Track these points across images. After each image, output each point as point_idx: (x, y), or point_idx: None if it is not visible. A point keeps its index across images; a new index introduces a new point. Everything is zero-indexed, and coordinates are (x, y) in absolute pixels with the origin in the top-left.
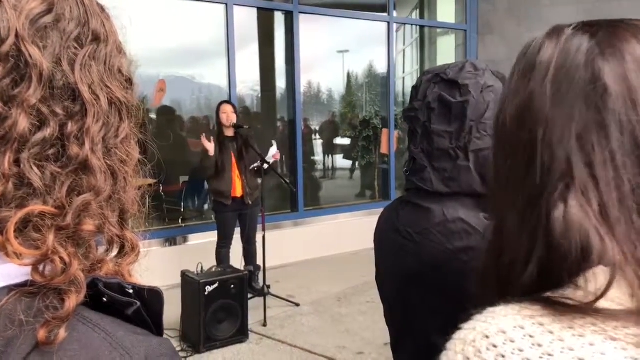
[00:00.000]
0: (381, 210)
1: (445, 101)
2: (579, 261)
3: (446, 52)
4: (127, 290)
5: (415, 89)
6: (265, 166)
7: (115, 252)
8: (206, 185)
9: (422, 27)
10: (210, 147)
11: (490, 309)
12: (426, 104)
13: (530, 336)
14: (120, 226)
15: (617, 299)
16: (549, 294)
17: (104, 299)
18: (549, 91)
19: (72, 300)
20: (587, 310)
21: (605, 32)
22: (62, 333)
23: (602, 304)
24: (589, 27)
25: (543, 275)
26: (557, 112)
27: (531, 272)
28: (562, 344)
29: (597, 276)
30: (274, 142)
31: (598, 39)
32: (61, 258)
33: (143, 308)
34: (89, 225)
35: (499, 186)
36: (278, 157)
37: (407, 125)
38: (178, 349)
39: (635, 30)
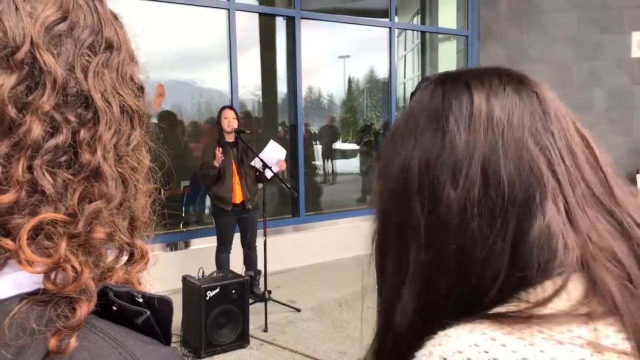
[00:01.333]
0: None
1: None
2: (546, 260)
3: (447, 57)
4: (137, 299)
5: (412, 95)
6: (269, 174)
7: (124, 260)
8: (206, 190)
9: (423, 33)
10: (220, 157)
11: (442, 333)
12: None
13: (486, 352)
14: (130, 234)
15: (562, 303)
16: (495, 310)
17: (114, 308)
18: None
19: (83, 309)
20: (530, 318)
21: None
22: (73, 342)
23: (548, 310)
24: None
25: (501, 293)
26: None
27: (496, 290)
28: (516, 355)
29: (546, 287)
30: (272, 141)
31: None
32: (73, 266)
33: (152, 317)
34: (100, 233)
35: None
36: (284, 166)
37: None
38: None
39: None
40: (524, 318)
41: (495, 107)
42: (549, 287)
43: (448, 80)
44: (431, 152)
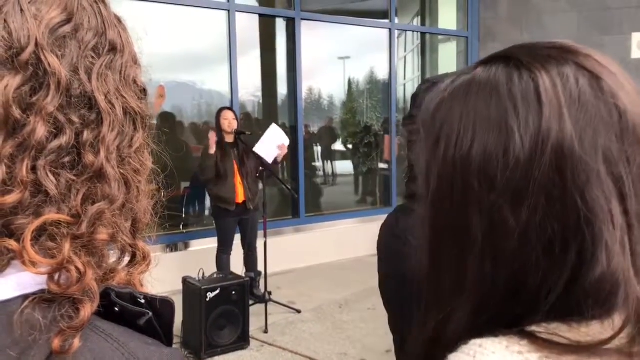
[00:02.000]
0: (382, 216)
1: None
2: (603, 303)
3: (447, 59)
4: (139, 300)
5: (414, 97)
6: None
7: (127, 261)
8: (207, 191)
9: (423, 34)
10: (214, 141)
11: (477, 342)
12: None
13: None
14: (132, 235)
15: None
16: (534, 328)
17: (116, 309)
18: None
19: (87, 310)
20: (579, 349)
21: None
22: (77, 343)
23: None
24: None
25: (555, 307)
26: (584, 148)
27: (549, 302)
28: None
29: (613, 320)
30: (274, 124)
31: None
32: (76, 267)
33: (154, 318)
34: (103, 235)
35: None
36: (285, 150)
37: (406, 133)
38: None
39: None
40: (564, 346)
41: (567, 125)
42: (596, 327)
43: (517, 64)
44: (492, 159)
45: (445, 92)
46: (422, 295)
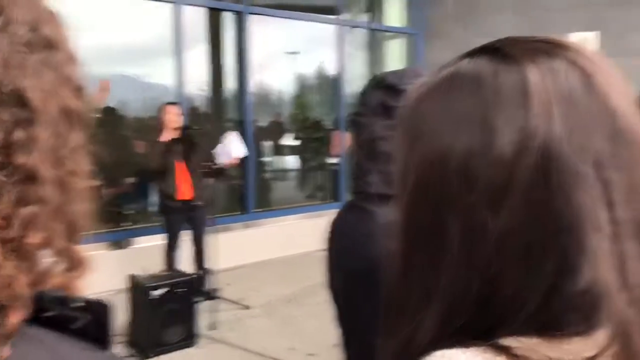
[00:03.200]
0: (331, 211)
1: (387, 106)
2: (585, 317)
3: (395, 55)
4: (73, 304)
5: (361, 94)
6: (223, 161)
7: (61, 265)
8: (152, 187)
9: (371, 30)
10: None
11: (440, 353)
12: (370, 109)
13: None
14: (68, 239)
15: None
16: (510, 342)
17: (49, 314)
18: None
19: (17, 316)
20: None
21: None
22: (6, 351)
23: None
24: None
25: (533, 319)
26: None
27: (526, 313)
28: None
29: (597, 337)
30: (236, 133)
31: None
32: (6, 272)
33: (90, 322)
34: (35, 238)
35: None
36: (236, 162)
37: (354, 129)
38: (126, 355)
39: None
40: None
41: (556, 124)
42: (578, 343)
43: (505, 56)
44: (473, 157)
45: (427, 85)
46: (391, 303)
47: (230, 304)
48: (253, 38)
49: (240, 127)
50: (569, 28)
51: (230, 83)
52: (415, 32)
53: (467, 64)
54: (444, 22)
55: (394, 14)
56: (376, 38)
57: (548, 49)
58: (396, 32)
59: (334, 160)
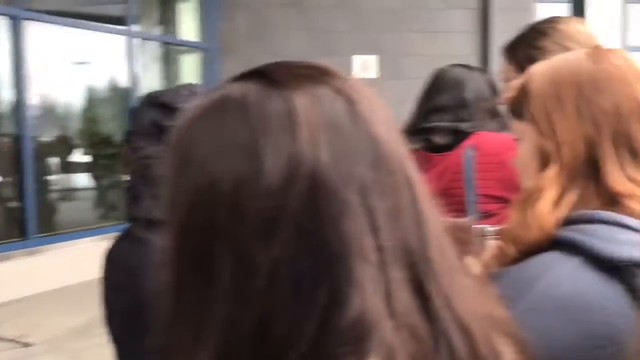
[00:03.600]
0: None
1: (161, 126)
2: (356, 349)
3: (191, 70)
4: None
5: (133, 112)
6: None
7: None
8: None
9: (165, 43)
10: None
11: None
12: (143, 128)
13: None
14: None
15: None
16: None
17: None
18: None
19: None
20: None
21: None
22: None
23: None
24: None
25: (308, 356)
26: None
27: (300, 350)
28: None
29: None
30: None
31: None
32: None
33: None
34: None
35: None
36: None
37: (127, 149)
38: None
39: None
40: None
41: (322, 151)
42: None
43: (272, 82)
44: (242, 186)
45: (197, 108)
46: (162, 343)
47: (7, 343)
48: (31, 46)
49: (17, 142)
50: (354, 50)
51: (5, 94)
52: (209, 47)
53: (235, 88)
54: (237, 38)
55: (188, 28)
56: (171, 52)
57: (314, 75)
58: (190, 46)
59: (128, 178)
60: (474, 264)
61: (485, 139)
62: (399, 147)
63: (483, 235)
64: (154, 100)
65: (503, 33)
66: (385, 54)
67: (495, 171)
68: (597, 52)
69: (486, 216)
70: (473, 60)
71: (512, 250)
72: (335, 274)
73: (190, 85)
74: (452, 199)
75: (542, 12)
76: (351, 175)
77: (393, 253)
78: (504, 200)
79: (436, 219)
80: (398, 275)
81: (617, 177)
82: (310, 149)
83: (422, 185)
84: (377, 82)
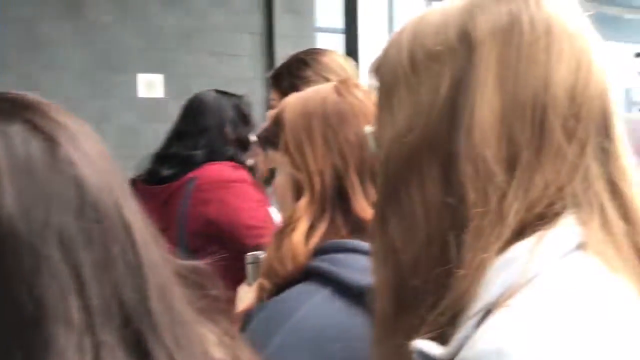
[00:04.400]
0: None
1: None
2: None
3: None
4: None
5: None
6: None
7: None
8: None
9: None
10: None
11: None
12: None
13: None
14: None
15: None
16: None
17: None
18: None
19: None
20: None
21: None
22: None
23: None
24: None
25: None
26: None
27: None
28: None
29: None
30: None
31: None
32: None
33: None
34: None
35: None
36: None
37: None
38: None
39: None
40: None
41: (8, 199)
42: None
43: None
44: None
45: None
46: None
47: None
48: None
49: None
50: (139, 68)
51: None
52: None
53: None
54: (8, 52)
55: None
56: None
57: (7, 109)
58: None
59: None
60: (245, 298)
61: (209, 171)
62: (113, 190)
63: (257, 263)
64: None
65: (285, 59)
66: (172, 74)
67: (208, 205)
68: (343, 85)
69: (193, 253)
70: (258, 84)
71: (267, 284)
72: (30, 341)
73: None
74: (167, 234)
75: (321, 41)
76: (48, 226)
77: (103, 311)
78: (211, 237)
79: (161, 264)
80: (108, 337)
81: (363, 204)
82: None
83: (143, 228)
84: (162, 102)
